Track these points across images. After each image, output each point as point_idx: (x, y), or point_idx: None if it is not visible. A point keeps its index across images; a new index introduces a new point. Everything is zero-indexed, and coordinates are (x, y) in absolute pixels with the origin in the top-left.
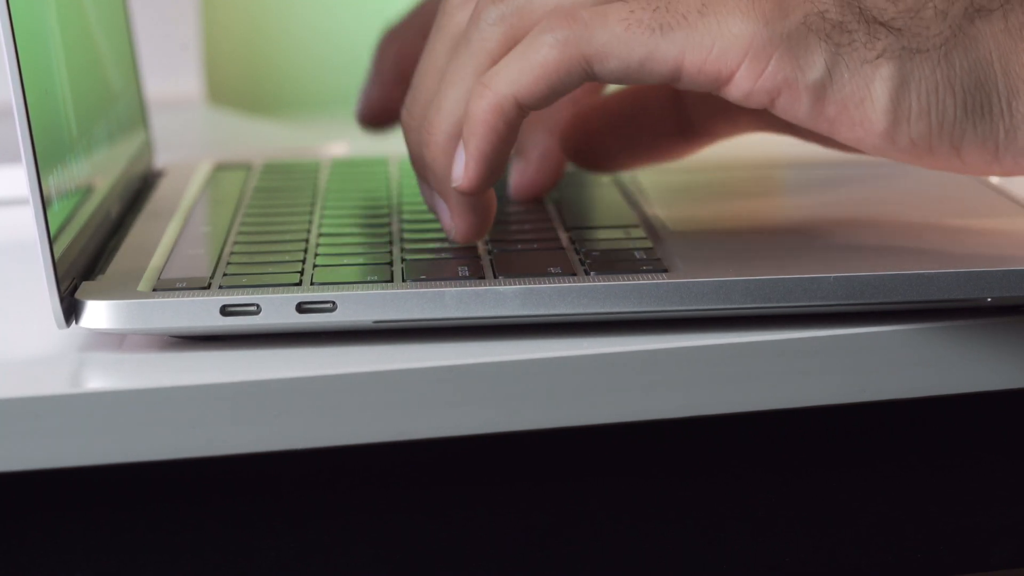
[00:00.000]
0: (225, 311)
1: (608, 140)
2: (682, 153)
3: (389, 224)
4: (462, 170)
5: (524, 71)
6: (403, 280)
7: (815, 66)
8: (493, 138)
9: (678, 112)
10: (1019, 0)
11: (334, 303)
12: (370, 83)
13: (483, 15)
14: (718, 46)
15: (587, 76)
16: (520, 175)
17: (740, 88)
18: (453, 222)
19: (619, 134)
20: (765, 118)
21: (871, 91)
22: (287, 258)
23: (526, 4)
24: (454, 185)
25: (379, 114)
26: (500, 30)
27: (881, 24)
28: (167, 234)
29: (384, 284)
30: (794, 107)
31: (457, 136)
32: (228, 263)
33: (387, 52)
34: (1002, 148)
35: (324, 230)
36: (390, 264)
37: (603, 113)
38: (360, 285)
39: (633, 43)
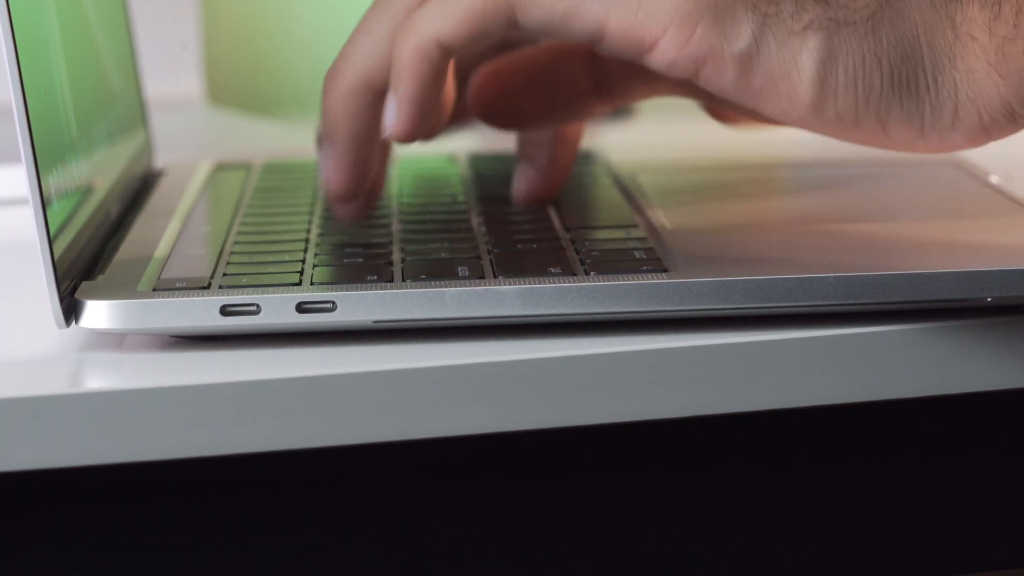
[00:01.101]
0: (225, 311)
1: (522, 98)
2: (596, 113)
3: (389, 224)
4: (393, 117)
5: (448, 14)
6: (403, 280)
7: (742, 36)
8: (420, 83)
9: (595, 71)
10: None
11: (334, 303)
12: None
13: None
14: (643, 10)
15: (510, 24)
16: (526, 182)
17: (664, 56)
18: (332, 173)
19: (534, 92)
20: (684, 83)
21: (798, 63)
22: (287, 258)
23: None
24: (386, 134)
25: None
26: None
27: None
28: (167, 234)
29: (384, 284)
30: (719, 78)
31: (361, 90)
32: (228, 263)
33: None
34: (927, 125)
35: (324, 230)
36: (390, 264)
37: (517, 71)
38: (360, 285)
39: None
